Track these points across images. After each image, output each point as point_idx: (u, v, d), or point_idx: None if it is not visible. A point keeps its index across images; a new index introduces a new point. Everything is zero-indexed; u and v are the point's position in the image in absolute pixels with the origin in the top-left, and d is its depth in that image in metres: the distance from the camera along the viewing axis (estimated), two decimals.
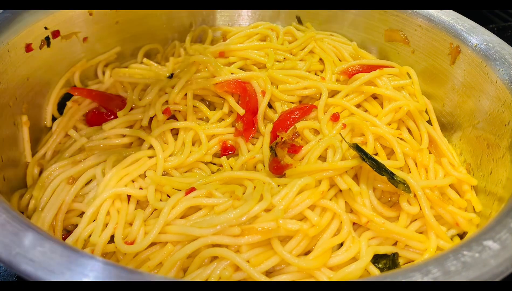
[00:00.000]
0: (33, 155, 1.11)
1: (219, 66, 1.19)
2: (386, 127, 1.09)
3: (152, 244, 0.89)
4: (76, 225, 0.93)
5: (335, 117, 1.11)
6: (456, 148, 1.16)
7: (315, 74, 1.26)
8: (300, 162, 1.03)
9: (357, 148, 0.97)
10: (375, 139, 1.07)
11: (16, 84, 1.08)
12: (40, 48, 1.16)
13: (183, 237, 0.87)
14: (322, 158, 1.03)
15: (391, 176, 0.94)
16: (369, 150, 1.02)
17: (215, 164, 1.15)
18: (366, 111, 1.16)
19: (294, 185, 0.91)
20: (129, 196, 0.98)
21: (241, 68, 1.27)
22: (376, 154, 1.06)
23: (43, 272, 0.62)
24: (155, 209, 0.97)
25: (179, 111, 1.17)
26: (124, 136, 1.13)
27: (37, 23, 1.14)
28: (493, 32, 1.14)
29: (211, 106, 1.24)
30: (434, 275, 0.64)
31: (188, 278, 0.83)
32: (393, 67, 1.23)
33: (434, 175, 1.05)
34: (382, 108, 1.15)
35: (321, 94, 1.17)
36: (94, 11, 1.28)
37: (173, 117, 1.18)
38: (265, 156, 1.08)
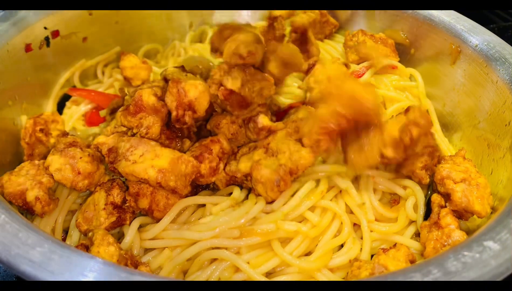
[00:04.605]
0: None
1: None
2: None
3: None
4: None
5: None
6: (456, 149, 1.15)
7: None
8: None
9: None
10: None
11: (16, 84, 1.08)
12: (40, 48, 1.15)
13: (182, 241, 0.85)
14: None
15: None
16: None
17: None
18: None
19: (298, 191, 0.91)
20: None
21: None
22: None
23: (43, 273, 0.62)
24: None
25: None
26: None
27: (36, 23, 1.14)
28: (494, 32, 1.14)
29: None
30: (435, 275, 0.63)
31: (188, 280, 0.83)
32: (396, 67, 1.23)
33: None
34: (385, 108, 1.15)
35: None
36: (93, 11, 1.28)
37: None
38: None
